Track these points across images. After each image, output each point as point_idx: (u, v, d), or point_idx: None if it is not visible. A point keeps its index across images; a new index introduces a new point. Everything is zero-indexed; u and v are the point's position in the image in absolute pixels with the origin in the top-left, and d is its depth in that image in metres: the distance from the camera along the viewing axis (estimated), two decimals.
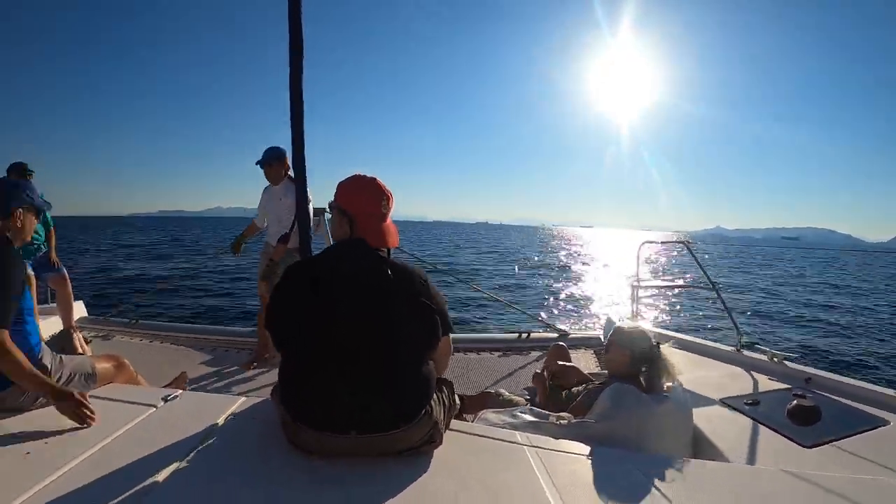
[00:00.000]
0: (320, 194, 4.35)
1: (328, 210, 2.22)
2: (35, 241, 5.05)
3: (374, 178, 2.17)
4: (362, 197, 2.13)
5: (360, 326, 1.88)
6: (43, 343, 2.49)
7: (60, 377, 2.37)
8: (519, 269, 29.30)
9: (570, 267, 36.39)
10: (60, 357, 2.47)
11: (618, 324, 3.04)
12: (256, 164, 4.80)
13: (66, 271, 5.22)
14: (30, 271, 4.79)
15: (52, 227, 5.37)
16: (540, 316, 7.15)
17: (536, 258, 44.80)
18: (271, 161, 4.73)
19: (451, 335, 2.16)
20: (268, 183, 4.91)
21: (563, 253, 56.82)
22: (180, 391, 2.56)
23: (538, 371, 3.38)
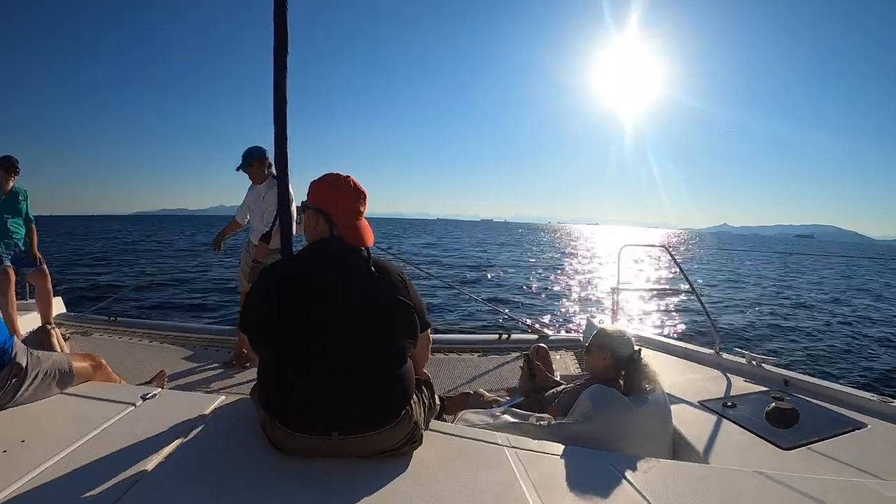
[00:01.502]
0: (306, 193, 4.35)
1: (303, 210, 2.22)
2: (14, 237, 5.01)
3: (349, 177, 2.17)
4: (341, 196, 2.13)
5: (339, 326, 1.87)
6: (18, 340, 2.45)
7: (37, 374, 2.34)
8: (494, 275, 29.14)
9: (557, 267, 36.46)
10: (37, 354, 2.44)
11: (601, 326, 3.06)
12: (237, 169, 4.79)
13: (46, 267, 5.17)
14: (7, 263, 4.74)
15: (32, 224, 5.34)
16: (521, 318, 7.16)
17: (529, 257, 44.88)
18: (251, 162, 4.72)
19: (431, 334, 2.18)
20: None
21: (558, 252, 56.87)
22: (159, 389, 2.54)
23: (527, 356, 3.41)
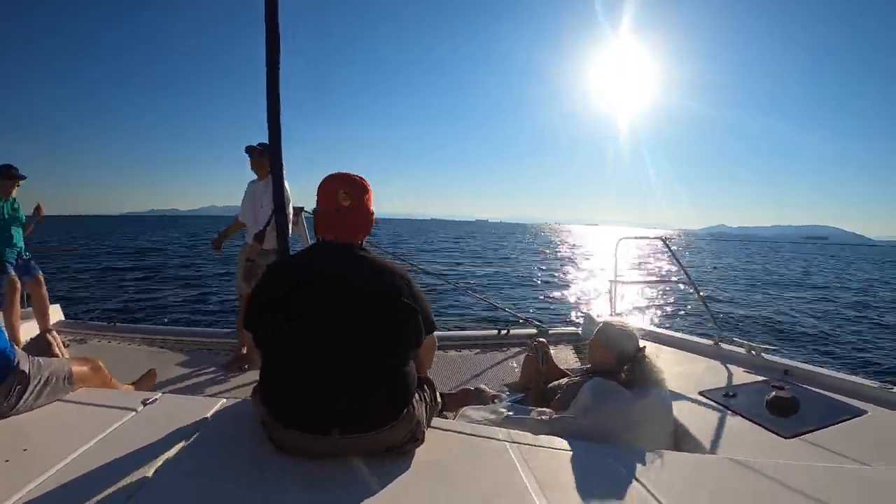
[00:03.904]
0: (304, 192, 4.31)
1: (305, 210, 2.22)
2: (17, 245, 5.00)
3: (341, 173, 2.13)
4: (321, 192, 2.11)
5: (341, 325, 1.87)
6: (18, 348, 2.45)
7: (39, 381, 2.33)
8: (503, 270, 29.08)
9: (555, 264, 36.45)
10: (38, 361, 2.43)
11: (606, 319, 3.06)
12: (245, 149, 4.74)
13: (41, 274, 5.16)
14: (13, 274, 4.73)
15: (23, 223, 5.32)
16: (519, 312, 7.15)
17: (525, 255, 44.84)
18: (263, 151, 4.63)
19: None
20: (253, 178, 4.87)
21: (555, 251, 56.81)
22: (160, 394, 2.53)
23: (529, 354, 3.39)
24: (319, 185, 2.14)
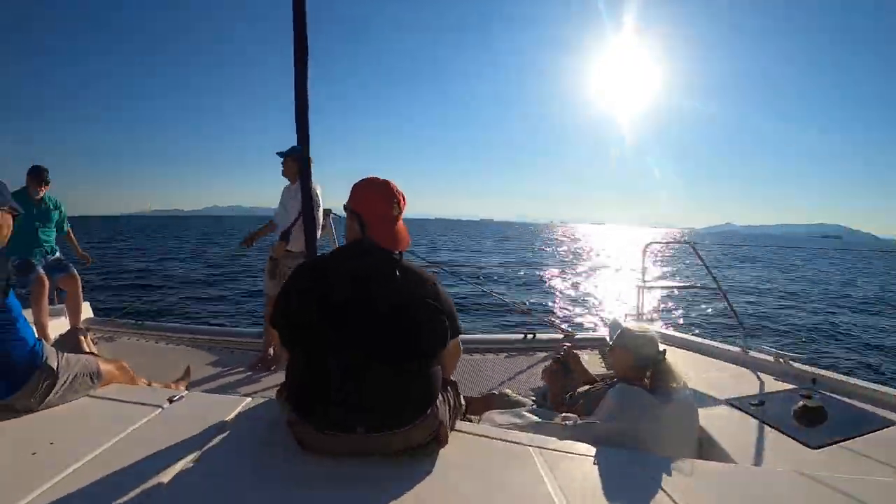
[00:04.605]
0: (333, 196, 4.32)
1: (333, 212, 2.24)
2: (45, 244, 5.09)
3: (388, 181, 2.19)
4: (373, 198, 2.14)
5: (368, 327, 1.89)
6: (47, 344, 2.48)
7: (68, 377, 2.37)
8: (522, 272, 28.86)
9: (576, 266, 36.16)
10: (67, 356, 2.47)
11: (624, 325, 3.04)
12: (277, 153, 4.76)
13: (76, 271, 5.25)
14: (41, 272, 4.81)
15: (68, 229, 5.53)
16: (546, 317, 7.12)
17: (546, 256, 44.54)
18: (294, 155, 4.63)
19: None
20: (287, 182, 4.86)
21: (573, 251, 56.40)
22: (186, 392, 2.56)
23: (554, 369, 3.36)
24: (363, 188, 2.18)
